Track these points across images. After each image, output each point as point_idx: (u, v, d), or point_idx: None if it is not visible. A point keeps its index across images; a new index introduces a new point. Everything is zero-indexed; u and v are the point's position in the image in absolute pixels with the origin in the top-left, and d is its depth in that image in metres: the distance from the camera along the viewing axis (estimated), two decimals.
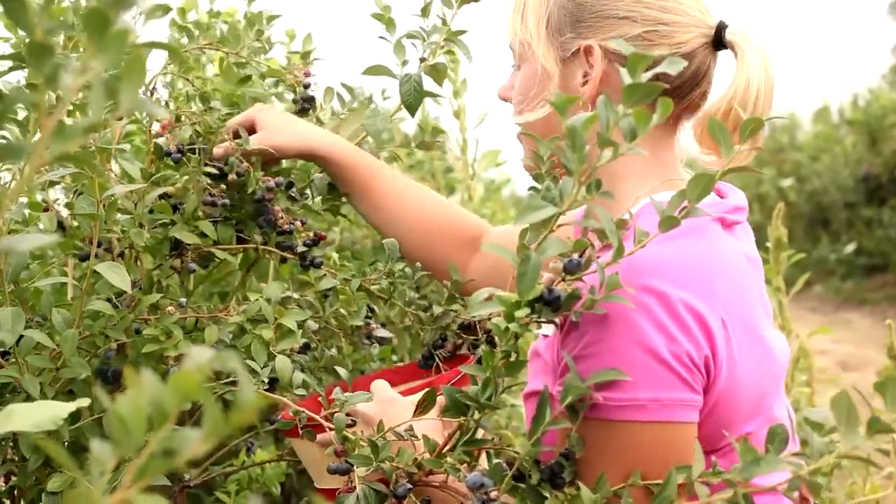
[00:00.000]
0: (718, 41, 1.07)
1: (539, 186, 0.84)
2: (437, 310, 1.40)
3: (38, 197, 1.38)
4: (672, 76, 1.02)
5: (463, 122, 2.53)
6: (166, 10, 1.00)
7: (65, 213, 1.26)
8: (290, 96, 1.51)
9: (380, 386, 1.16)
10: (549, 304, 0.84)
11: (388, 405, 1.10)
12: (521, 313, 0.83)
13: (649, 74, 0.78)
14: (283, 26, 1.82)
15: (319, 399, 1.14)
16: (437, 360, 1.38)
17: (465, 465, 0.96)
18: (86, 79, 0.51)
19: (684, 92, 1.07)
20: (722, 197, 1.10)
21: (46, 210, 1.25)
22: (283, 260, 1.36)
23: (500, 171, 2.96)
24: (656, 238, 0.87)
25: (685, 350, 0.90)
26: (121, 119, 1.27)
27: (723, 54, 1.10)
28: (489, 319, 1.34)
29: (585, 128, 0.77)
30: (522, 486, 0.91)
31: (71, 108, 1.21)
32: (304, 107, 1.46)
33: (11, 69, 1.22)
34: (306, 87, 1.47)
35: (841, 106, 9.55)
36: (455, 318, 1.39)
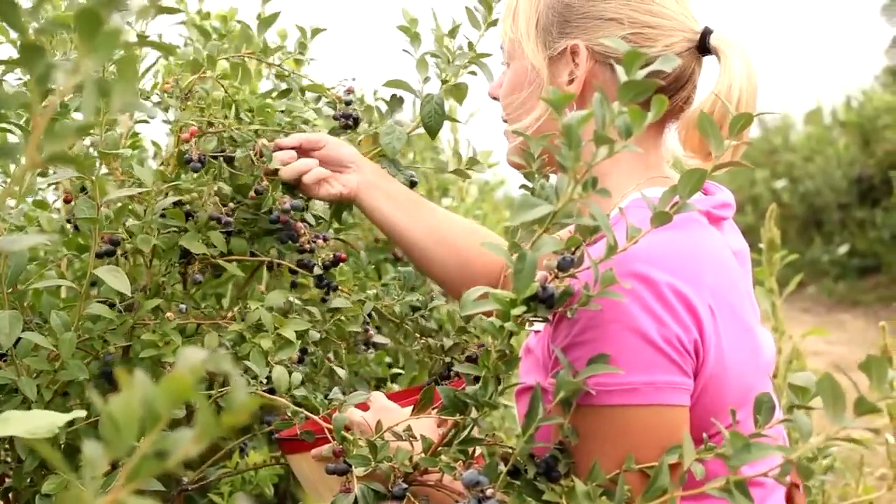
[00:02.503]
0: (703, 46, 1.09)
1: (530, 185, 0.84)
2: (447, 342, 1.40)
3: (50, 197, 1.38)
4: (659, 76, 1.04)
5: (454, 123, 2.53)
6: (170, 10, 1.00)
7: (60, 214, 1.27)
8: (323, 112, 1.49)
9: (376, 397, 1.18)
10: (543, 301, 0.85)
11: (383, 414, 1.12)
12: (518, 311, 0.83)
13: (643, 73, 0.78)
14: (278, 26, 1.81)
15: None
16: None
17: (461, 463, 0.96)
18: (78, 79, 0.52)
19: (668, 94, 1.08)
20: (707, 194, 1.11)
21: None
22: (292, 272, 1.35)
23: (493, 172, 2.96)
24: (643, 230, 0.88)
25: (675, 333, 0.91)
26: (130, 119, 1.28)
27: (709, 64, 1.11)
28: None
29: (580, 125, 0.78)
30: (518, 482, 0.91)
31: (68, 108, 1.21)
32: (346, 124, 1.43)
33: (5, 72, 1.22)
34: (347, 103, 1.43)
35: (834, 107, 9.58)
36: (464, 351, 1.39)
